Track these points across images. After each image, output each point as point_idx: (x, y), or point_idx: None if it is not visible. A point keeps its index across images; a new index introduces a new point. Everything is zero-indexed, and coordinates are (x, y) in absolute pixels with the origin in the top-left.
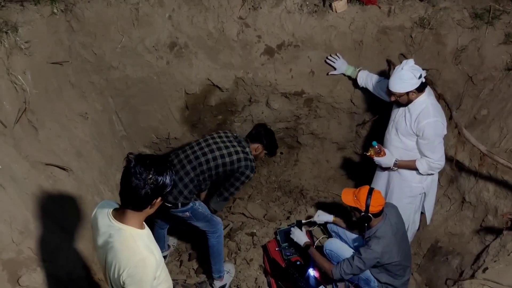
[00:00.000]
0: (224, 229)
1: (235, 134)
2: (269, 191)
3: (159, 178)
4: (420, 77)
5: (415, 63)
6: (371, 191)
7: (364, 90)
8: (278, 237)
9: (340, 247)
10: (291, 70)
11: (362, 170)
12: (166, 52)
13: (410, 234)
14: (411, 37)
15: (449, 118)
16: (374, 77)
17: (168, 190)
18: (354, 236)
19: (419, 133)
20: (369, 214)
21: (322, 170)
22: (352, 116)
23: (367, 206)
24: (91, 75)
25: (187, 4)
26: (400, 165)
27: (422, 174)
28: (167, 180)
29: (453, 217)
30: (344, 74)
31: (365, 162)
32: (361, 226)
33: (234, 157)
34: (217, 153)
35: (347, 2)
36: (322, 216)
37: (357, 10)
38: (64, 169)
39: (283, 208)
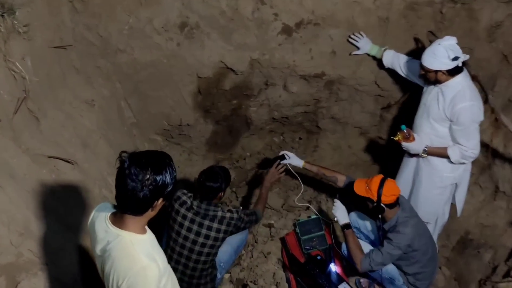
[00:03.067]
0: None
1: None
2: (287, 180)
3: (158, 178)
4: (455, 59)
5: (456, 43)
6: (383, 180)
7: (390, 71)
8: (297, 230)
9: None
10: (310, 51)
11: (387, 156)
12: (176, 33)
13: (439, 227)
14: (441, 12)
15: (484, 101)
16: (402, 57)
17: (170, 189)
18: (374, 229)
19: (453, 118)
20: (381, 205)
21: (343, 156)
22: (376, 99)
23: (379, 196)
24: (97, 60)
25: None
26: (430, 152)
27: (454, 163)
28: (167, 179)
29: (485, 208)
30: (368, 54)
31: (391, 147)
32: (376, 218)
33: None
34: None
35: None
36: (293, 159)
37: None
38: (68, 161)
39: (302, 198)
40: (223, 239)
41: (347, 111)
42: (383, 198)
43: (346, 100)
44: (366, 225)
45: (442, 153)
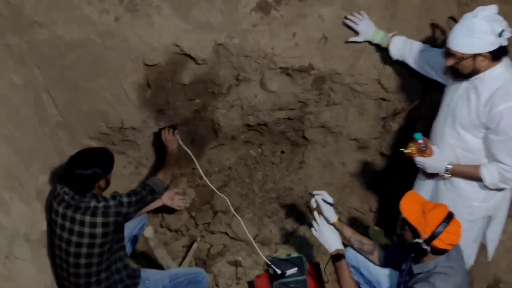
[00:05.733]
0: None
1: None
2: (264, 203)
3: None
4: (501, 35)
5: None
6: (450, 216)
7: (398, 66)
8: (271, 271)
9: None
10: (294, 35)
11: (391, 178)
12: (114, 4)
13: None
14: None
15: None
16: (416, 45)
17: None
18: (384, 272)
19: (490, 124)
20: (428, 247)
21: (335, 176)
22: (378, 103)
23: (434, 236)
24: (5, 35)
25: None
26: (456, 171)
27: (489, 189)
28: None
29: None
30: (370, 43)
31: (397, 166)
32: (407, 255)
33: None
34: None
35: None
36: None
37: None
38: None
39: (282, 227)
40: (106, 235)
41: (341, 119)
42: (437, 241)
43: (340, 103)
44: (369, 266)
45: (472, 174)
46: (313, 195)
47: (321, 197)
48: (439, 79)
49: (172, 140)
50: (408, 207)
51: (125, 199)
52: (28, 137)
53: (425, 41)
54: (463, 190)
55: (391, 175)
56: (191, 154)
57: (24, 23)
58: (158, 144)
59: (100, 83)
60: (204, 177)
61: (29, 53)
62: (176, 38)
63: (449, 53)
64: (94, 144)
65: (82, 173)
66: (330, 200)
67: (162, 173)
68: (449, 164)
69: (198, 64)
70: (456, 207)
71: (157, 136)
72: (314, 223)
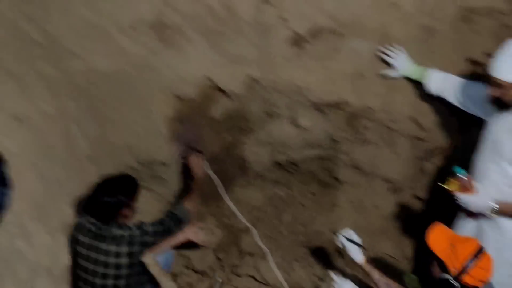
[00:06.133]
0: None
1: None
2: (292, 246)
3: None
4: None
5: None
6: (481, 250)
7: (435, 102)
8: None
9: None
10: (328, 70)
11: (427, 222)
12: (149, 36)
13: None
14: (506, 27)
15: None
16: (454, 79)
17: None
18: None
19: None
20: (458, 284)
21: (368, 219)
22: (414, 142)
23: (463, 270)
24: (40, 64)
25: None
26: (502, 210)
27: None
28: None
29: None
30: (407, 77)
31: (434, 209)
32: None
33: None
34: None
35: None
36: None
37: None
38: None
39: (312, 273)
40: (132, 266)
41: (374, 158)
42: (466, 277)
43: (374, 142)
44: None
45: None
46: (339, 235)
47: (347, 236)
48: (480, 114)
49: (199, 166)
50: (436, 239)
51: (150, 228)
52: (56, 168)
53: (462, 76)
54: (509, 232)
55: (428, 219)
56: (218, 180)
57: (60, 52)
58: (184, 170)
59: (131, 115)
60: (231, 205)
61: (63, 83)
62: (209, 71)
63: (493, 83)
64: None
65: (105, 200)
66: (357, 239)
67: (188, 200)
68: (494, 202)
69: (229, 98)
70: (501, 250)
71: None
72: (333, 283)
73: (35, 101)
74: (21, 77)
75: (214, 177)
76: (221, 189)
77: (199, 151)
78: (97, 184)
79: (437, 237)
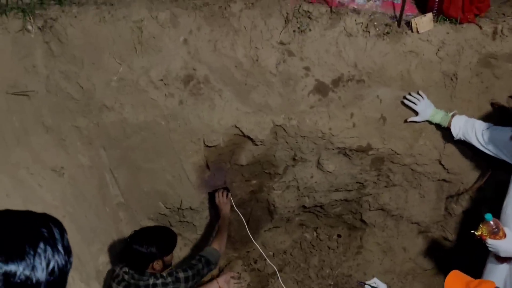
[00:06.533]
0: None
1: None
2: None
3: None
4: None
5: None
6: None
7: (460, 145)
8: None
9: None
10: (352, 116)
11: (456, 264)
12: (179, 88)
13: None
14: None
15: None
16: (479, 124)
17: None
18: None
19: None
20: None
21: (396, 262)
22: (440, 184)
23: None
24: (76, 117)
25: (209, 25)
26: None
27: None
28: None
29: None
30: (430, 122)
31: (464, 251)
32: None
33: None
34: None
35: (433, 19)
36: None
37: (447, 30)
38: None
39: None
40: None
41: (401, 201)
42: None
43: (400, 185)
44: None
45: None
46: (363, 284)
47: (372, 285)
48: (505, 158)
49: (226, 203)
50: (453, 285)
51: (181, 275)
52: (90, 216)
53: (486, 120)
54: None
55: (457, 261)
56: (242, 218)
57: (94, 106)
58: (210, 206)
59: (161, 164)
60: (259, 248)
61: (96, 135)
62: (236, 120)
63: None
64: (152, 225)
65: (138, 250)
66: (383, 286)
67: (216, 241)
68: None
69: (256, 145)
70: None
71: (211, 199)
72: None
73: (70, 153)
74: (57, 130)
75: (239, 214)
76: (247, 228)
77: (226, 189)
78: (135, 232)
79: (454, 283)
